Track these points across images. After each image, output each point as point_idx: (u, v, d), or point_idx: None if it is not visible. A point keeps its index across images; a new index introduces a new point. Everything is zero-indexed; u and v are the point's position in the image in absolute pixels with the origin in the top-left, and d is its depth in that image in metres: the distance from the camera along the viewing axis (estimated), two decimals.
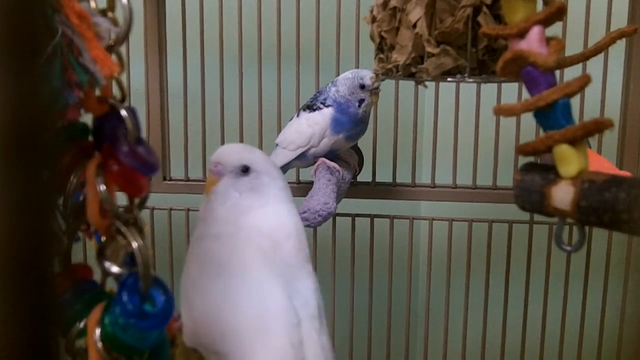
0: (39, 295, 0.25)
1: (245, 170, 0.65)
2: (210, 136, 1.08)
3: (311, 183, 0.99)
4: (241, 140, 1.07)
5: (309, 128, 1.00)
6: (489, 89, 0.99)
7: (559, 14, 0.53)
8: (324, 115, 0.99)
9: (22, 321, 0.24)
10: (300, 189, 1.07)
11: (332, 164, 0.99)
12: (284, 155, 1.03)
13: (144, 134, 1.11)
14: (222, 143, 1.07)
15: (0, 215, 0.23)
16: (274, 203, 0.66)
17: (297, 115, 1.03)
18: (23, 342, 0.24)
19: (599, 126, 0.50)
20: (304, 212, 0.88)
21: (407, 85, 1.02)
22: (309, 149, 1.01)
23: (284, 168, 1.03)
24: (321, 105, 1.00)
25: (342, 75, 1.00)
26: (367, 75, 0.97)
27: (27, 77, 0.24)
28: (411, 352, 1.19)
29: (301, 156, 1.02)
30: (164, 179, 1.10)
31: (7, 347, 0.24)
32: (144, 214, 1.09)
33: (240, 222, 0.63)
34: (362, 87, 0.98)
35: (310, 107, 1.01)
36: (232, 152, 0.67)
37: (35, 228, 0.25)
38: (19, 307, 0.24)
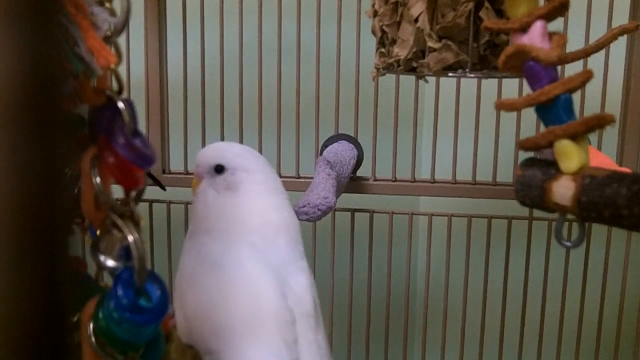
0: (53, 271, 0.24)
1: (220, 169, 0.66)
2: (210, 129, 1.07)
3: (311, 177, 0.98)
4: (241, 134, 1.07)
5: None
6: (490, 84, 0.99)
7: (561, 8, 0.53)
8: None
9: (34, 297, 0.24)
10: (300, 183, 1.06)
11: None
12: None
13: (143, 127, 1.10)
14: (222, 136, 1.07)
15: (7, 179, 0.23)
16: (251, 200, 0.65)
17: None
18: (35, 319, 0.24)
19: (600, 121, 0.49)
20: (304, 205, 0.87)
21: (407, 80, 1.01)
22: None
23: None
24: None
25: None
26: None
27: (38, 38, 0.23)
28: (409, 349, 1.18)
29: None
30: (164, 172, 1.10)
31: (19, 322, 0.24)
32: (143, 208, 1.09)
33: (223, 219, 0.63)
34: None
35: None
36: (206, 153, 0.69)
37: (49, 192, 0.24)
38: (33, 281, 0.24)
